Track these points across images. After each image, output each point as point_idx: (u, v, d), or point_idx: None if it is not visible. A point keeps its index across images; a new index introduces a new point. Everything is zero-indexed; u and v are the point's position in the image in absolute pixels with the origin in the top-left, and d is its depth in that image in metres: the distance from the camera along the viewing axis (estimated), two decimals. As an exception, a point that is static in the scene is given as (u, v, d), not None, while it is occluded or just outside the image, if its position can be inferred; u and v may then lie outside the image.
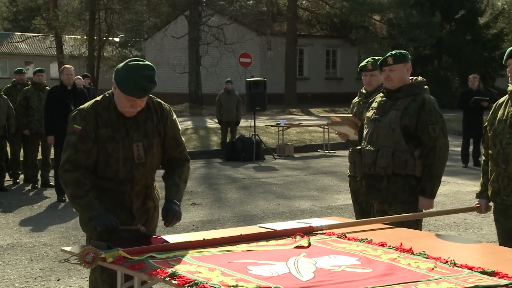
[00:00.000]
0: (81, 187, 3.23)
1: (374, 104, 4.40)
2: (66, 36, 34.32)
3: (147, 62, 3.27)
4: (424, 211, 4.25)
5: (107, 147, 3.29)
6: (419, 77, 4.36)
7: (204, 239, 3.05)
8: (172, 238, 3.22)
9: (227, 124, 14.28)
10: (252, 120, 14.57)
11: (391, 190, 4.19)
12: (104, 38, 32.17)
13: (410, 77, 4.32)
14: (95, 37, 31.17)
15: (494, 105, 4.07)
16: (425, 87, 4.31)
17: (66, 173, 3.27)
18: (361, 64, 5.11)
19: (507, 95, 3.93)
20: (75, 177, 3.24)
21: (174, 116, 3.56)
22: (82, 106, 3.40)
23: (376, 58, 4.97)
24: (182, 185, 3.49)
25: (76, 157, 3.26)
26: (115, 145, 3.30)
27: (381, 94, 4.40)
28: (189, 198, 9.20)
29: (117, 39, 36.74)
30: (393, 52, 4.29)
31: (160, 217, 3.48)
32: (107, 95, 3.38)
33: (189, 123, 20.66)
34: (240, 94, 14.80)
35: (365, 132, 4.38)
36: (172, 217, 3.30)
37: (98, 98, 3.40)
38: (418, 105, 4.15)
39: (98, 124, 3.28)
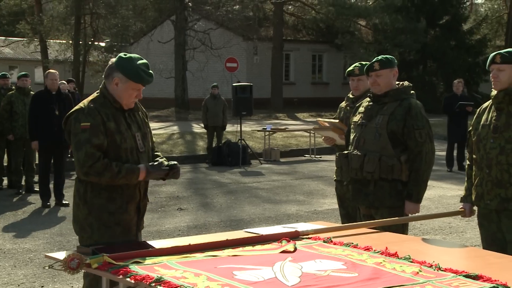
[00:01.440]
0: (114, 166, 3.35)
1: (361, 109, 4.42)
2: (51, 40, 34.11)
3: (135, 54, 3.54)
4: (410, 215, 4.28)
5: (116, 138, 3.42)
6: (406, 82, 4.39)
7: (190, 244, 3.04)
8: (158, 243, 3.20)
9: (213, 129, 14.26)
10: (239, 125, 14.57)
11: (377, 195, 4.21)
12: (90, 42, 32.02)
13: (397, 82, 4.34)
14: (80, 42, 31.02)
15: (478, 110, 4.11)
16: (412, 92, 4.34)
17: (92, 167, 3.34)
18: (349, 69, 5.13)
19: (491, 100, 3.97)
20: (103, 162, 3.34)
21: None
22: (77, 107, 3.45)
23: (364, 63, 5.00)
24: (164, 159, 3.65)
25: (93, 150, 3.35)
26: (121, 136, 3.44)
27: (368, 99, 4.42)
28: (175, 203, 9.17)
29: (102, 44, 36.57)
30: (380, 57, 4.31)
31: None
32: (97, 94, 3.49)
33: (175, 128, 20.61)
34: (227, 99, 14.80)
35: (352, 137, 4.40)
36: (176, 168, 3.52)
37: (90, 98, 3.49)
38: (405, 110, 4.17)
39: (103, 118, 3.40)
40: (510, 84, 3.84)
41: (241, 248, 3.07)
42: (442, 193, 10.07)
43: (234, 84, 14.46)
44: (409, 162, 4.16)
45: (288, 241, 3.18)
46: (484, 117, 3.98)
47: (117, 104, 3.47)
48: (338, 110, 5.39)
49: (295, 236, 3.34)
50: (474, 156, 4.03)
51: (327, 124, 5.15)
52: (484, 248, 3.97)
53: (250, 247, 3.11)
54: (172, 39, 27.58)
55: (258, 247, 3.12)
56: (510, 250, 3.79)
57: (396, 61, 4.37)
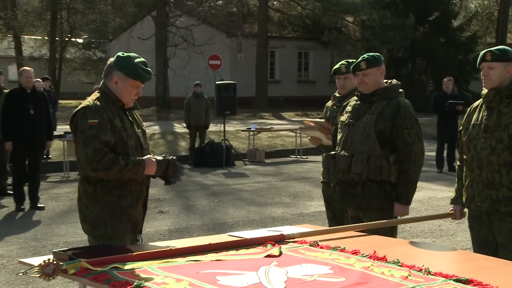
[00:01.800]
0: (121, 159, 3.49)
1: (348, 108, 4.43)
2: (26, 36, 33.87)
3: (133, 53, 3.71)
4: (399, 218, 4.29)
5: (123, 136, 3.58)
6: (394, 80, 4.41)
7: (171, 249, 3.03)
8: (137, 248, 3.19)
9: (195, 128, 14.24)
10: (222, 125, 14.56)
11: (366, 197, 4.22)
12: (67, 39, 31.86)
13: (385, 80, 4.36)
14: (56, 38, 30.84)
15: (468, 109, 4.14)
16: (400, 90, 4.36)
17: (101, 162, 3.45)
18: (335, 67, 5.14)
19: (481, 99, 4.00)
20: (111, 156, 3.47)
21: None
22: (84, 105, 3.56)
23: (350, 60, 5.01)
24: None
25: (101, 146, 3.47)
26: (127, 133, 3.61)
27: (355, 98, 4.43)
28: (156, 205, 9.14)
29: (80, 40, 36.38)
30: (366, 55, 4.32)
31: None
32: (98, 93, 3.62)
33: (156, 128, 20.53)
34: (210, 98, 14.78)
35: (339, 137, 4.41)
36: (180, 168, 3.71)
37: (93, 97, 3.62)
38: (393, 109, 4.19)
39: (109, 116, 3.55)
40: (501, 83, 3.87)
41: (224, 253, 3.07)
42: (432, 194, 10.13)
43: (217, 82, 14.44)
44: (398, 162, 4.18)
45: (273, 245, 3.19)
46: (474, 117, 4.01)
47: (119, 103, 3.64)
48: (324, 110, 5.40)
49: (280, 239, 3.34)
50: (464, 156, 4.06)
51: (313, 124, 5.16)
52: (475, 251, 4.00)
53: (233, 252, 3.10)
54: (152, 35, 27.49)
55: (242, 251, 3.12)
56: (501, 253, 3.82)
57: (382, 58, 4.39)
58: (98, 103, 3.56)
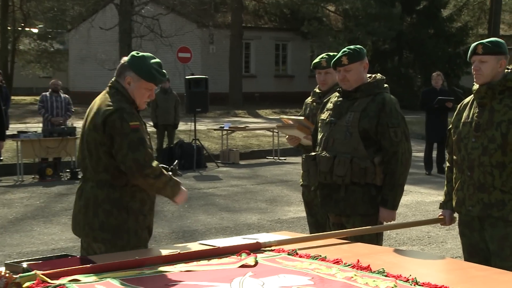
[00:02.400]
0: (165, 172, 3.70)
1: (329, 105, 4.45)
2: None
3: (148, 53, 3.83)
4: (385, 223, 4.32)
5: (147, 139, 3.76)
6: (378, 74, 4.44)
7: (137, 259, 3.02)
8: (100, 258, 3.17)
9: (163, 127, 14.19)
10: (192, 123, 14.52)
11: (349, 201, 4.24)
12: (20, 28, 31.50)
13: (369, 75, 4.39)
14: (8, 27, 30.48)
15: (458, 106, 4.18)
16: (385, 85, 4.39)
17: (153, 169, 3.61)
18: (315, 61, 5.16)
19: (472, 95, 4.04)
20: (158, 164, 3.67)
21: None
22: (114, 107, 3.62)
23: (331, 54, 5.04)
24: None
25: (149, 150, 3.66)
26: (148, 138, 3.80)
27: (337, 94, 4.45)
28: (120, 212, 9.09)
29: (35, 30, 36.01)
30: (347, 49, 4.34)
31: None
32: (117, 91, 3.71)
33: (120, 127, 20.37)
34: (179, 94, 14.73)
35: (319, 137, 4.43)
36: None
37: (108, 97, 3.70)
38: (378, 106, 4.22)
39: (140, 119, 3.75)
40: (493, 77, 3.91)
41: (195, 263, 3.07)
42: (420, 198, 10.22)
43: (187, 77, 14.41)
44: (383, 164, 4.21)
45: (248, 254, 3.19)
46: (465, 114, 4.05)
47: (135, 104, 3.75)
48: (303, 107, 5.42)
49: (256, 248, 3.34)
50: (454, 157, 4.10)
51: (291, 122, 5.17)
52: (465, 259, 4.04)
53: (205, 262, 3.10)
54: (116, 25, 27.31)
55: (214, 261, 3.12)
56: (494, 261, 3.86)
57: (365, 51, 4.42)
58: (125, 105, 3.64)
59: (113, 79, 3.79)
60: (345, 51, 4.33)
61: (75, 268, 2.86)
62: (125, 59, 3.78)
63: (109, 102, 3.68)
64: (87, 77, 33.96)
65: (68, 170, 12.47)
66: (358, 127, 4.21)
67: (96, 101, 3.80)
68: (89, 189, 3.74)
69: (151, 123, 14.79)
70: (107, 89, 3.79)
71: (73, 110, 13.16)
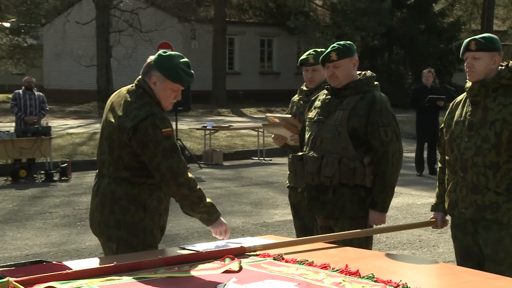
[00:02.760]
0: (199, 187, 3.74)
1: (317, 103, 4.46)
2: None
3: (176, 52, 3.87)
4: (375, 226, 4.34)
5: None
6: (368, 71, 4.45)
7: (115, 264, 3.01)
8: (77, 264, 3.16)
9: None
10: (174, 122, 14.50)
11: (337, 203, 4.25)
12: (-8, 23, 31.28)
13: (358, 72, 4.40)
14: (-20, 22, 30.27)
15: (451, 104, 4.20)
16: (376, 83, 4.41)
17: (188, 179, 3.67)
18: (302, 57, 5.17)
19: (465, 92, 4.07)
20: (193, 177, 3.72)
21: None
22: (146, 112, 3.64)
23: (319, 50, 5.05)
24: None
25: (182, 157, 3.71)
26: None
27: (325, 92, 4.47)
28: (98, 216, 9.06)
29: (7, 24, 35.78)
30: (336, 45, 4.35)
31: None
32: (141, 93, 3.73)
33: (97, 126, 20.29)
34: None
35: (307, 136, 4.44)
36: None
37: (138, 98, 3.71)
38: (368, 104, 4.23)
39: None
40: (486, 75, 3.93)
41: (176, 268, 3.06)
42: (411, 201, 10.27)
43: (168, 74, 14.34)
44: (373, 164, 4.22)
45: (232, 259, 3.19)
46: (457, 113, 4.07)
47: (161, 106, 3.77)
48: (290, 105, 5.42)
49: (240, 253, 3.34)
50: (446, 157, 4.12)
51: (277, 120, 5.18)
52: (458, 264, 4.06)
53: (187, 267, 3.09)
54: (93, 19, 27.21)
55: (197, 266, 3.11)
56: (488, 266, 3.88)
57: (355, 47, 4.43)
58: (155, 109, 3.67)
59: (139, 78, 3.81)
60: (334, 46, 4.34)
61: (50, 274, 2.84)
62: (151, 57, 3.80)
63: (138, 105, 3.70)
64: (63, 74, 33.82)
65: (42, 172, 12.40)
66: (347, 126, 4.22)
67: (121, 97, 3.80)
68: (106, 185, 3.79)
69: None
70: (134, 87, 3.79)
71: (47, 108, 13.09)
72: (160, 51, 3.81)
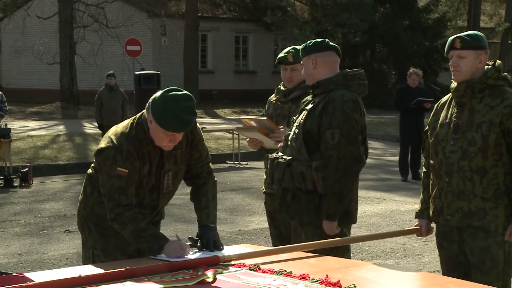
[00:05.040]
0: (141, 221, 3.75)
1: (302, 105, 4.53)
2: None
3: (185, 92, 3.73)
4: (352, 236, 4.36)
5: (143, 181, 3.84)
6: (359, 69, 4.47)
7: (80, 276, 3.00)
8: (39, 276, 3.14)
9: (109, 129, 14.09)
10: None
11: (295, 208, 4.33)
12: None
13: (349, 70, 4.43)
14: None
15: (436, 105, 4.23)
16: (350, 82, 4.35)
17: (121, 215, 3.72)
18: (280, 55, 5.17)
19: (450, 93, 4.10)
20: (131, 213, 3.73)
21: (198, 126, 4.03)
22: (114, 140, 3.76)
23: (298, 47, 5.06)
24: (211, 204, 4.05)
25: (128, 201, 3.74)
26: (149, 178, 3.86)
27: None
28: (62, 223, 9.00)
29: (-38, 19, 35.41)
30: (305, 44, 4.45)
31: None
32: (138, 123, 3.79)
33: (61, 128, 20.20)
34: (127, 91, 14.66)
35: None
36: (212, 243, 3.73)
37: (128, 128, 3.80)
38: (323, 105, 4.25)
39: (140, 163, 3.78)
40: (472, 74, 3.96)
41: (146, 279, 3.06)
42: (395, 207, 10.33)
43: (137, 73, 14.33)
44: (322, 169, 4.22)
45: (206, 269, 3.19)
46: (443, 114, 4.10)
47: (153, 143, 3.80)
48: (266, 105, 5.43)
49: (214, 263, 3.35)
50: (431, 161, 4.15)
51: (253, 123, 5.18)
52: (444, 273, 4.10)
53: (157, 278, 3.09)
54: (55, 14, 27.03)
55: (168, 277, 3.11)
56: (474, 275, 3.92)
57: (328, 42, 4.46)
58: (130, 145, 3.73)
59: (144, 110, 3.82)
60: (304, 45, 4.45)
61: (10, 287, 2.83)
62: (156, 94, 3.76)
63: (121, 133, 3.80)
64: (23, 72, 33.53)
65: (1, 177, 12.27)
66: (303, 128, 4.27)
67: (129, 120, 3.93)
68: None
69: (96, 124, 14.70)
70: (139, 114, 3.85)
71: (6, 109, 12.99)
72: (163, 91, 3.74)
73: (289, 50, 5.13)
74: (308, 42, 4.44)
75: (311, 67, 4.36)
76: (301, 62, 4.46)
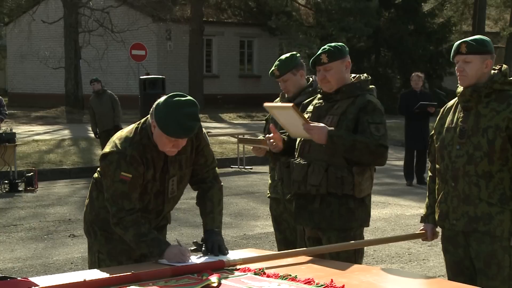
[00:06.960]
0: (143, 226, 3.77)
1: (310, 108, 4.48)
2: None
3: (189, 97, 3.73)
4: (365, 239, 4.34)
5: (148, 186, 3.85)
6: (364, 74, 4.46)
7: (85, 281, 3.00)
8: (44, 280, 3.14)
9: (106, 134, 14.00)
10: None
11: (324, 214, 4.25)
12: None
13: (353, 75, 4.42)
14: None
15: (441, 110, 4.22)
16: (371, 86, 4.40)
17: (123, 219, 3.75)
18: (271, 70, 5.14)
19: (456, 98, 4.09)
20: (134, 218, 3.76)
21: (204, 131, 4.06)
22: (119, 148, 3.77)
23: (284, 57, 5.06)
24: (217, 209, 4.07)
25: (131, 206, 3.76)
26: (154, 183, 3.87)
27: (319, 96, 4.48)
28: (66, 228, 9.01)
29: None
30: (327, 47, 4.37)
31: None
32: (142, 128, 3.81)
33: (66, 133, 20.24)
34: (132, 96, 14.71)
35: (297, 142, 4.44)
36: (217, 248, 3.74)
37: (132, 133, 3.83)
38: (358, 108, 4.23)
39: (144, 168, 3.79)
40: (478, 79, 3.96)
41: (151, 284, 3.05)
42: (400, 211, 10.31)
43: (142, 77, 14.36)
44: (364, 174, 4.20)
45: (211, 274, 3.19)
46: (448, 119, 4.09)
47: (157, 148, 3.81)
48: (271, 110, 5.42)
49: (219, 267, 3.34)
50: (437, 166, 4.14)
51: (277, 111, 5.04)
52: (449, 278, 4.09)
53: (162, 283, 3.09)
54: (60, 18, 27.11)
55: (172, 282, 3.11)
56: (480, 280, 3.91)
57: (347, 49, 4.44)
58: (134, 151, 3.75)
59: (149, 115, 3.82)
60: (324, 48, 4.36)
61: (15, 291, 2.83)
62: (160, 99, 3.77)
63: (126, 137, 3.82)
64: (28, 77, 33.61)
65: (6, 182, 12.28)
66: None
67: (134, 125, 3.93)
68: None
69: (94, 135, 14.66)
70: (144, 119, 3.87)
71: (6, 112, 13.00)
72: (167, 96, 3.75)
73: (275, 64, 5.09)
74: (338, 45, 4.38)
75: (344, 70, 4.35)
76: (322, 67, 4.31)
